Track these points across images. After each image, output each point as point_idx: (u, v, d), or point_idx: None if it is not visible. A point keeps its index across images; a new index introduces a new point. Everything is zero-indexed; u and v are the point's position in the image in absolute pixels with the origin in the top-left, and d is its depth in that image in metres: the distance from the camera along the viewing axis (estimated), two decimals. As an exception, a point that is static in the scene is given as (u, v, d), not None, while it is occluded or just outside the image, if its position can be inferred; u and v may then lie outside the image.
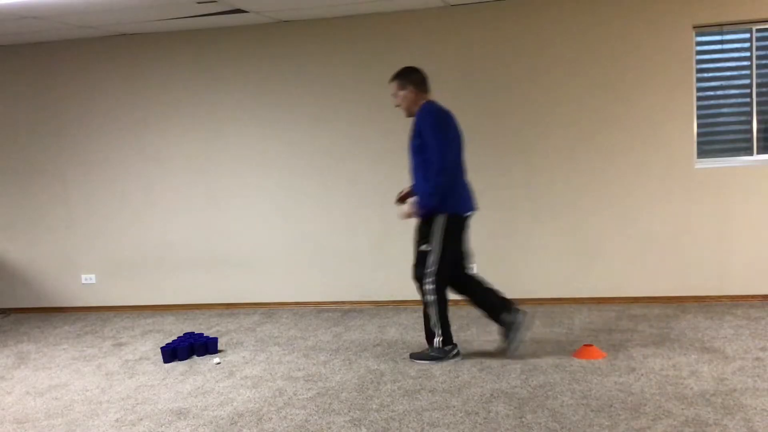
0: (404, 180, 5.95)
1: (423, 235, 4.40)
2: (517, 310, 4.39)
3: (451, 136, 4.31)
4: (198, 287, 6.34)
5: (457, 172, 4.35)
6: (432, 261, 4.33)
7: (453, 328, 5.20)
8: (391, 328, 5.31)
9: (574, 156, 5.67)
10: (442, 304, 4.39)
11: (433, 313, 4.38)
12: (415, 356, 4.49)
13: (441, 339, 4.41)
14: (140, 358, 4.92)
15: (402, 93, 4.38)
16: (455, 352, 4.45)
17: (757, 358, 4.20)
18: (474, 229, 5.89)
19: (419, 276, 4.42)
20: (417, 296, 5.96)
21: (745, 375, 3.94)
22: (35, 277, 6.60)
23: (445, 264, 4.34)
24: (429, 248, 4.34)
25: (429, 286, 4.35)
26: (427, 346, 4.51)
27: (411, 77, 4.37)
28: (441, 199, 4.25)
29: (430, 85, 4.45)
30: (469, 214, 4.45)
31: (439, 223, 4.30)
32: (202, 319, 5.97)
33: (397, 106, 4.46)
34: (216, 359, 4.70)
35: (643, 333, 4.83)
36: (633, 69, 5.51)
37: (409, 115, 4.43)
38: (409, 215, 4.39)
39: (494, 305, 4.42)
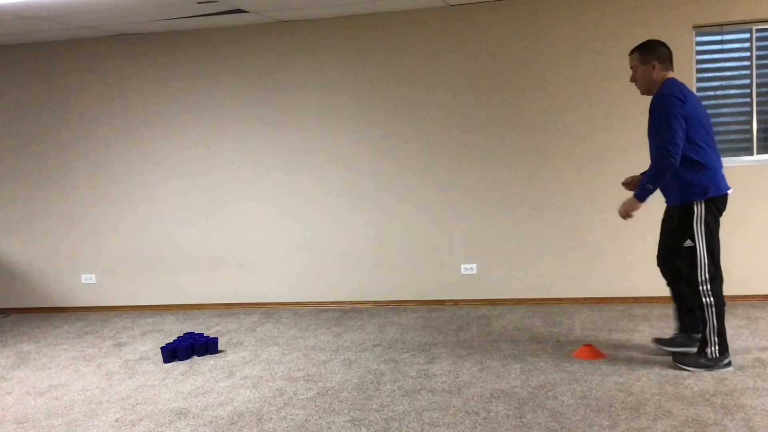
0: (404, 180, 5.95)
1: (683, 229, 4.01)
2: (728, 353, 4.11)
3: (696, 116, 3.91)
4: (198, 287, 6.34)
5: (709, 151, 3.94)
6: (700, 256, 3.95)
7: (453, 328, 5.22)
8: (391, 328, 5.31)
9: (574, 156, 5.66)
10: (720, 308, 3.99)
11: (710, 317, 3.97)
12: (681, 361, 4.11)
13: (717, 348, 4.02)
14: (140, 358, 4.92)
15: (642, 69, 4.03)
16: (727, 361, 4.04)
17: (757, 358, 4.20)
18: (474, 229, 5.90)
19: (691, 280, 4.01)
20: (417, 296, 6.01)
21: (745, 375, 3.94)
22: (35, 277, 6.60)
23: (714, 255, 3.98)
24: (691, 244, 3.96)
25: (705, 287, 3.98)
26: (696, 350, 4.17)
27: (656, 51, 4.00)
28: (659, 187, 3.90)
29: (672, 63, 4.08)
30: (729, 191, 4.04)
31: (699, 213, 3.94)
32: (202, 319, 5.97)
33: (632, 81, 4.13)
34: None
35: (643, 333, 4.83)
36: (633, 69, 5.50)
37: (646, 93, 4.11)
38: (625, 214, 4.03)
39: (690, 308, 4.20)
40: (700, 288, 3.98)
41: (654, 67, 4.00)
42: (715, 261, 4.00)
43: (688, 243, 3.99)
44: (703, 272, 3.97)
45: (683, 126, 3.87)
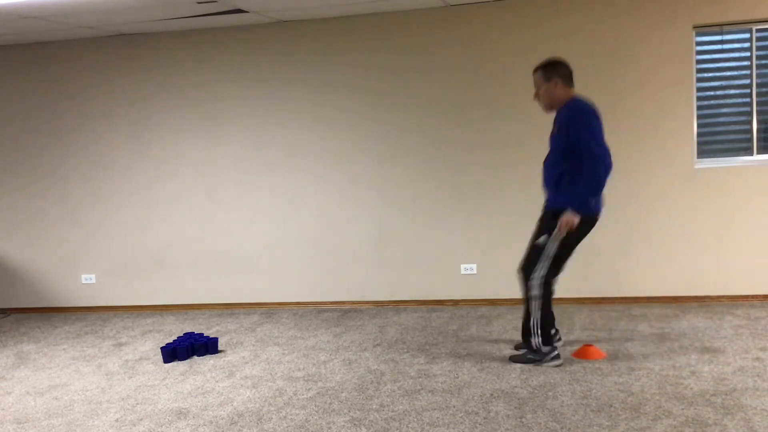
0: (404, 179, 5.95)
1: (545, 226, 4.18)
2: (555, 348, 4.28)
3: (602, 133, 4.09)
4: (198, 287, 6.34)
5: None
6: (545, 257, 4.16)
7: (453, 328, 5.22)
8: (391, 328, 5.31)
9: (574, 156, 5.66)
10: (547, 298, 4.24)
11: (534, 310, 4.23)
12: (514, 359, 4.35)
13: (540, 340, 4.24)
14: (140, 358, 4.92)
15: (545, 86, 4.18)
16: (555, 354, 4.25)
17: (757, 358, 4.20)
18: (474, 229, 5.90)
19: (527, 270, 4.24)
20: (417, 296, 6.01)
21: (745, 375, 3.94)
22: (35, 277, 6.60)
23: (559, 262, 4.20)
24: (543, 243, 4.16)
25: (537, 281, 4.20)
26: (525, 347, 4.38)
27: (558, 70, 4.17)
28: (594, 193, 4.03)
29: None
30: (600, 215, 4.22)
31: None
32: (202, 319, 5.97)
33: (535, 98, 4.27)
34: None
35: (643, 333, 4.83)
36: (633, 69, 5.51)
37: (549, 109, 4.25)
38: (568, 225, 4.05)
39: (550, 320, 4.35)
40: (532, 281, 4.21)
41: (557, 85, 4.17)
42: (557, 267, 4.23)
43: (542, 240, 4.18)
44: (541, 271, 4.19)
45: (602, 134, 4.06)
